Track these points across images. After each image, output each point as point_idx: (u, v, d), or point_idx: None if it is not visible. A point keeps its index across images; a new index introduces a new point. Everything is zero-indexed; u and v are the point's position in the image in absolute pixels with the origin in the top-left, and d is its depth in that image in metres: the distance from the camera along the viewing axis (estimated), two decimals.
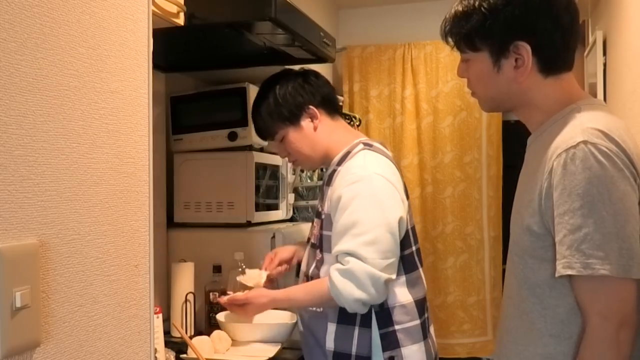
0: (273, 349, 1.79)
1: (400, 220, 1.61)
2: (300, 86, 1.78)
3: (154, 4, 1.36)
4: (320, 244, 1.69)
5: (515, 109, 1.32)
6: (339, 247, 1.58)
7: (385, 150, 1.75)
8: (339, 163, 1.71)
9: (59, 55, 0.79)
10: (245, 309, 1.73)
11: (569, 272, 1.11)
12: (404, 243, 1.66)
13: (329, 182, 1.71)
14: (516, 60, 1.22)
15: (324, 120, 1.78)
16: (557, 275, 1.13)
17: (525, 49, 1.21)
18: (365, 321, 1.61)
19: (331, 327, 1.63)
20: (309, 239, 1.82)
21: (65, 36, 0.80)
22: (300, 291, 1.71)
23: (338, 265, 1.57)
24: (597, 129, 1.13)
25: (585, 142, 1.11)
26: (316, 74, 1.84)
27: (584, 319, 1.14)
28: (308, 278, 1.73)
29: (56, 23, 0.79)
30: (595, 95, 2.67)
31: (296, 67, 1.91)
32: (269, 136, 1.84)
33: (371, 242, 1.55)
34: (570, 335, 1.16)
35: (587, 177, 1.09)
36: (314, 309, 1.68)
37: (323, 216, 1.69)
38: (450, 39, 1.31)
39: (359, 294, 1.53)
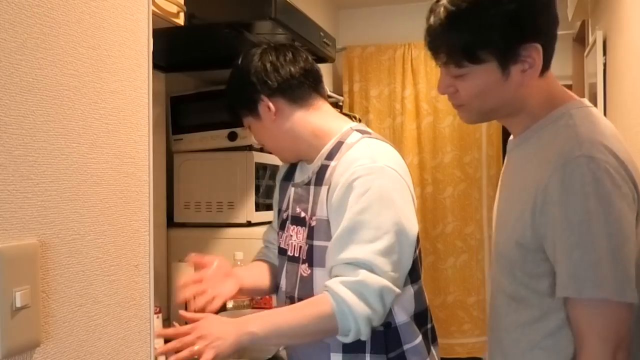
0: (273, 349, 1.79)
1: (417, 230, 1.38)
2: (255, 70, 1.46)
3: (154, 4, 1.36)
4: (308, 258, 1.39)
5: (504, 117, 1.23)
6: (344, 254, 1.28)
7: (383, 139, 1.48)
8: (331, 157, 1.41)
9: (59, 55, 0.79)
10: (202, 345, 1.23)
11: (565, 294, 1.08)
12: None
13: (319, 180, 1.41)
14: (522, 63, 1.12)
15: (287, 111, 1.46)
16: (556, 296, 1.10)
17: (537, 49, 1.11)
18: (377, 346, 1.34)
19: (336, 359, 1.35)
20: (283, 250, 1.52)
21: (65, 36, 0.80)
22: (287, 311, 1.33)
23: (344, 278, 1.27)
24: (595, 141, 1.07)
25: (584, 156, 1.05)
26: (279, 52, 1.49)
27: (579, 340, 1.09)
28: (294, 301, 1.41)
29: (56, 23, 0.79)
30: (595, 95, 2.67)
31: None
32: (238, 122, 1.59)
33: (385, 251, 1.28)
34: (560, 349, 1.13)
35: (585, 194, 1.04)
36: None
37: (314, 223, 1.39)
38: (442, 55, 1.15)
39: (369, 312, 1.26)
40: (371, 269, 1.26)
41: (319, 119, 1.48)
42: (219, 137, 2.20)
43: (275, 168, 2.38)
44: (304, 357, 1.45)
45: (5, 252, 0.70)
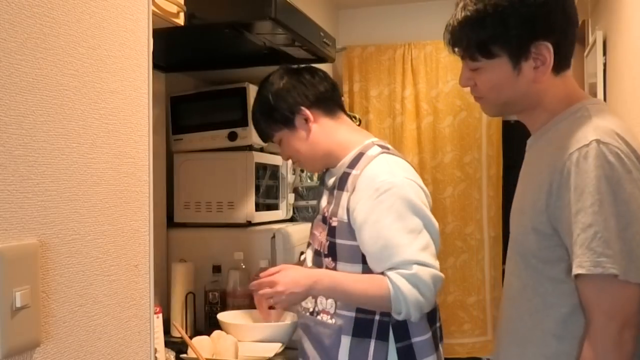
0: (273, 349, 1.79)
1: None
2: (293, 86, 1.68)
3: (154, 4, 1.36)
4: (331, 253, 1.59)
5: (522, 111, 1.29)
6: (394, 260, 1.48)
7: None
8: (352, 165, 1.60)
9: (59, 55, 0.79)
10: (278, 298, 1.53)
11: (580, 271, 1.10)
12: None
13: (341, 186, 1.60)
14: (534, 60, 1.20)
15: (321, 121, 1.68)
16: (572, 274, 1.12)
17: (547, 47, 1.18)
18: (383, 334, 1.53)
19: (345, 340, 1.54)
20: (309, 243, 1.75)
21: (65, 36, 0.80)
22: (353, 282, 1.53)
23: (401, 271, 1.47)
24: (608, 129, 1.13)
25: (597, 141, 1.11)
26: (312, 71, 1.74)
27: (587, 318, 1.13)
28: None
29: (56, 23, 0.79)
30: (595, 96, 2.67)
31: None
32: (268, 139, 1.79)
33: (424, 246, 1.50)
34: (573, 335, 1.16)
35: (597, 176, 1.09)
36: (326, 319, 1.58)
37: (335, 223, 1.58)
38: (458, 49, 1.25)
39: (421, 297, 1.46)
40: (422, 263, 1.48)
41: (344, 130, 1.70)
42: (219, 137, 2.20)
43: (275, 168, 2.38)
44: (317, 335, 1.60)
45: (5, 252, 0.70)
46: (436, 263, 1.51)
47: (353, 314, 1.54)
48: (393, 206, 1.50)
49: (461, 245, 3.72)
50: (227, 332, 1.87)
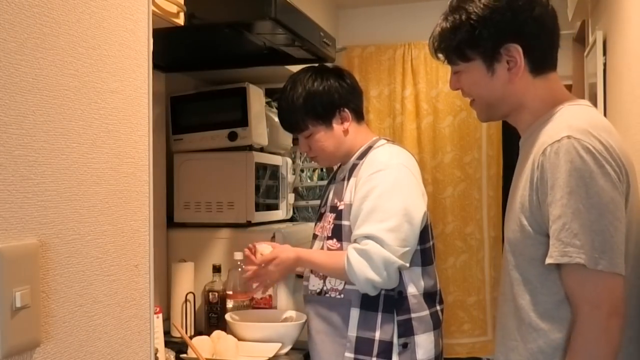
0: (273, 349, 1.79)
1: (424, 214, 1.69)
2: (340, 85, 1.79)
3: (154, 4, 1.36)
4: (335, 234, 1.73)
5: (508, 113, 1.36)
6: (360, 231, 1.63)
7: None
8: (360, 157, 1.76)
9: (59, 55, 0.79)
10: (273, 268, 1.74)
11: (549, 260, 1.15)
12: (425, 236, 1.72)
13: (350, 175, 1.75)
14: (508, 62, 1.27)
15: (352, 124, 1.81)
16: (545, 263, 1.17)
17: (517, 49, 1.26)
18: (388, 307, 1.66)
19: (354, 312, 1.68)
20: (315, 235, 1.86)
21: (65, 36, 0.80)
22: (321, 256, 1.74)
23: (356, 245, 1.63)
24: (580, 127, 1.18)
25: (569, 137, 1.16)
26: (350, 75, 1.86)
27: (573, 309, 1.17)
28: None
29: (56, 23, 0.79)
30: (595, 95, 2.67)
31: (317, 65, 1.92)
32: (298, 130, 1.84)
33: (392, 229, 1.61)
34: (559, 329, 1.19)
35: (568, 170, 1.14)
36: (335, 295, 1.71)
37: (342, 207, 1.72)
38: (440, 55, 1.36)
39: (371, 275, 1.59)
40: (380, 242, 1.60)
41: (363, 133, 1.84)
42: (219, 137, 2.20)
43: (275, 168, 2.38)
44: (327, 312, 1.72)
45: (5, 252, 0.70)
46: (399, 249, 1.61)
47: None
48: (380, 185, 1.64)
49: (461, 245, 3.72)
50: (235, 332, 1.87)
